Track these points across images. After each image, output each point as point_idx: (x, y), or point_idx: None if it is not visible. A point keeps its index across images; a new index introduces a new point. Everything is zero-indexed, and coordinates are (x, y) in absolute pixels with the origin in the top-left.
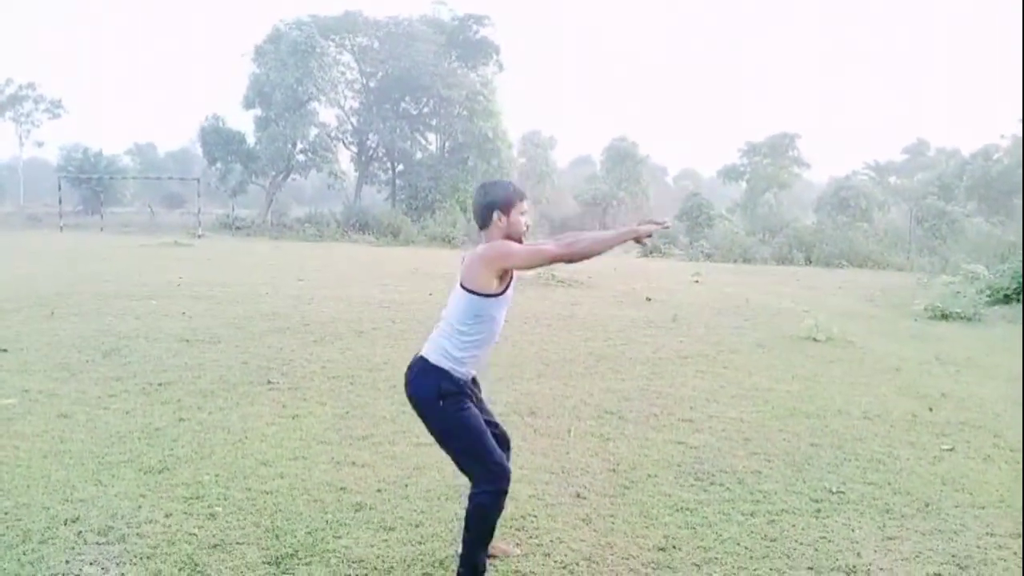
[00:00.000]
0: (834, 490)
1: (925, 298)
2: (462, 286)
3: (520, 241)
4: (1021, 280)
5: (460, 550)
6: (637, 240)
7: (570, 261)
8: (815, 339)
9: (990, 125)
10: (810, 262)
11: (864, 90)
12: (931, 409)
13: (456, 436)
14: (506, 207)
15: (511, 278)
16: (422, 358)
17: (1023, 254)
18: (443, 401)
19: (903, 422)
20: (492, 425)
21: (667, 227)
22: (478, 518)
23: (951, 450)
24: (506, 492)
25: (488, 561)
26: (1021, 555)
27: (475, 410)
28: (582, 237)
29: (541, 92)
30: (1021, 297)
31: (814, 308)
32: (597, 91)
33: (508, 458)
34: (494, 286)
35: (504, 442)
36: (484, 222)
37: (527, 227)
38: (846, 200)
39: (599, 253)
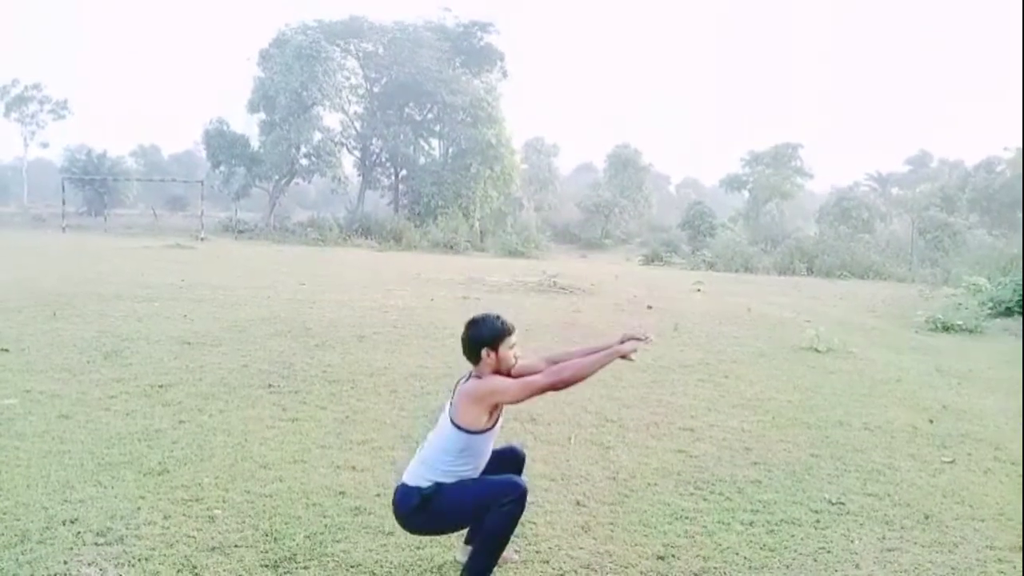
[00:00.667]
0: (834, 501)
1: (927, 310)
2: (452, 422)
3: (509, 374)
4: (1022, 293)
5: (471, 560)
6: (623, 357)
7: (558, 390)
8: (816, 350)
9: (993, 137)
10: (812, 272)
11: (867, 101)
12: (932, 421)
13: (462, 513)
14: (494, 343)
15: (500, 411)
16: (404, 484)
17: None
18: (424, 514)
19: (904, 434)
20: (496, 453)
21: (649, 342)
22: (508, 524)
23: (952, 462)
24: (523, 501)
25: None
26: (1021, 568)
27: (465, 490)
28: (568, 365)
29: (545, 99)
30: (1022, 310)
31: (815, 318)
32: (601, 98)
33: (522, 470)
34: (483, 422)
35: (517, 459)
36: (474, 359)
37: (516, 359)
38: (848, 211)
39: (585, 378)
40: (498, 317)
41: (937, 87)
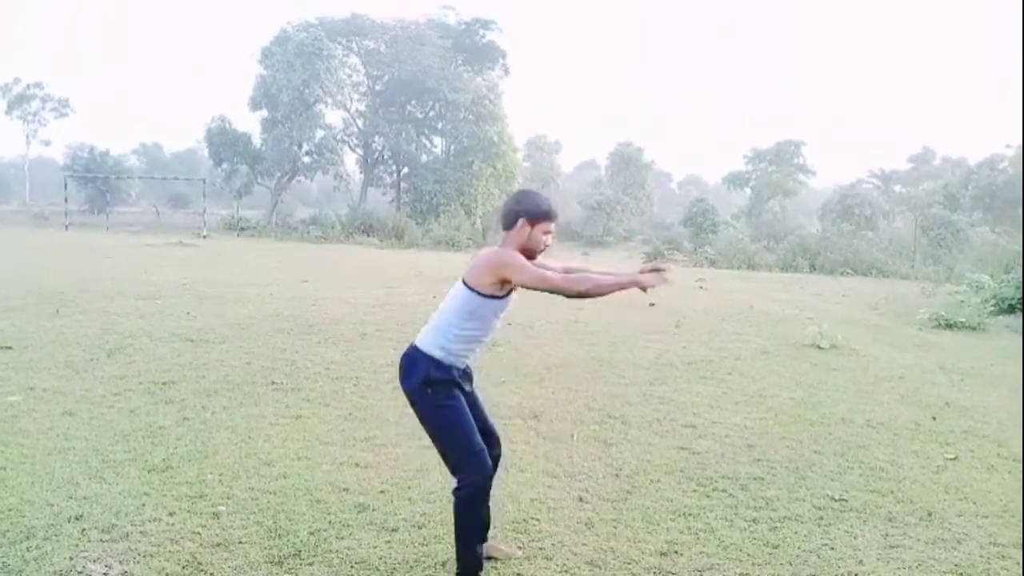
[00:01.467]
0: (837, 498)
1: (929, 307)
2: (464, 282)
3: (534, 256)
4: (1023, 290)
5: (456, 549)
6: (640, 288)
7: (569, 296)
8: (819, 347)
9: (996, 134)
10: (814, 269)
11: (870, 98)
12: (935, 418)
13: (440, 425)
14: (534, 219)
15: (511, 290)
16: (414, 346)
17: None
18: (431, 389)
19: (907, 431)
20: (483, 421)
21: (667, 279)
22: (463, 512)
23: (955, 459)
24: (486, 486)
25: (489, 563)
26: (1022, 564)
27: (463, 402)
28: (587, 277)
29: (547, 97)
30: (1022, 307)
31: (818, 316)
32: (603, 96)
33: (498, 455)
34: (494, 289)
35: (494, 439)
36: (508, 224)
37: (546, 247)
38: (851, 208)
39: (599, 296)
40: (548, 199)
41: (940, 84)
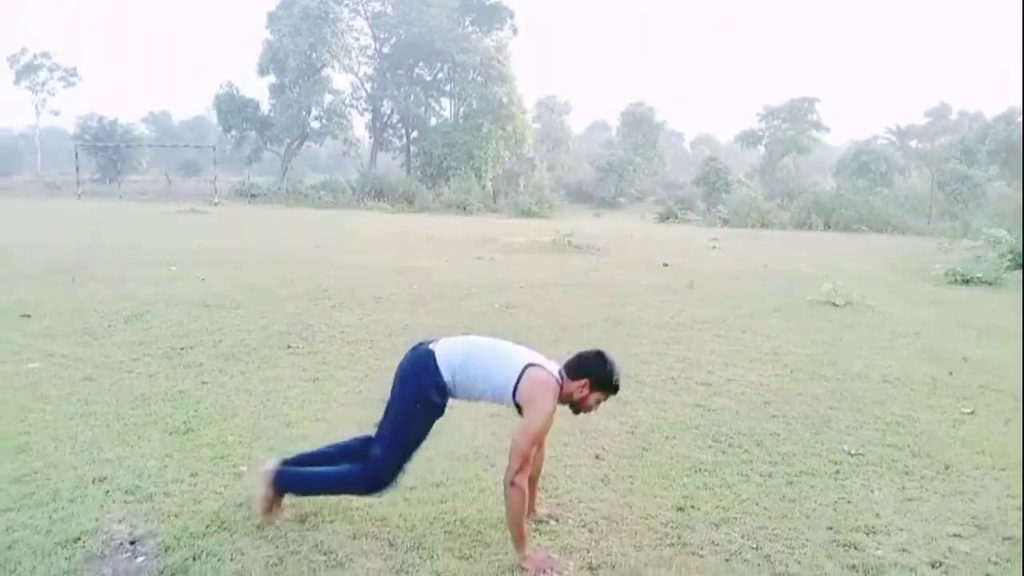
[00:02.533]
0: (853, 452)
1: (946, 263)
2: (514, 389)
3: (578, 410)
4: (1023, 247)
5: (296, 484)
6: (521, 558)
7: (506, 487)
8: (834, 304)
9: (1014, 88)
10: (829, 227)
11: (886, 53)
12: (951, 373)
13: (400, 429)
14: (596, 386)
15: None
16: (431, 353)
17: (1023, 221)
18: (419, 404)
19: (923, 386)
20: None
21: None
22: (339, 483)
23: (971, 413)
24: (368, 492)
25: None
26: (1021, 515)
27: (427, 430)
28: (520, 502)
29: (556, 57)
30: (1021, 264)
31: (833, 273)
32: (613, 55)
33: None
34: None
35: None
36: (574, 375)
37: (592, 411)
38: (866, 164)
39: (510, 514)
40: (620, 374)
41: (957, 37)
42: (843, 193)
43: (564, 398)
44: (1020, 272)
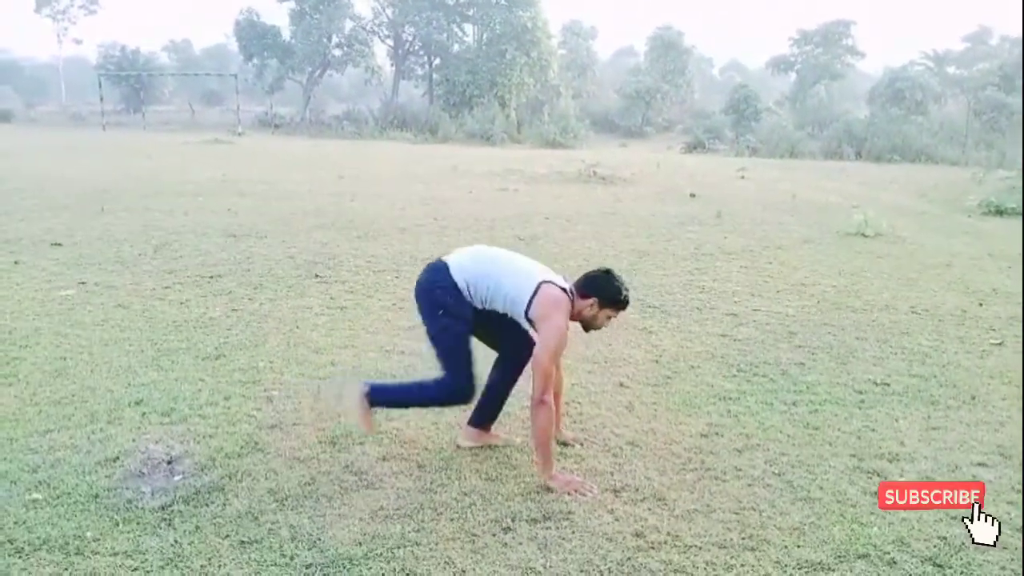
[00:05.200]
0: (879, 382)
1: (979, 193)
2: (528, 310)
3: (588, 327)
4: (1023, 189)
5: (387, 395)
6: (547, 478)
7: (533, 407)
8: (864, 235)
9: None
10: (860, 157)
11: None
12: (981, 304)
13: (441, 343)
14: (605, 304)
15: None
16: (445, 266)
17: (1023, 163)
18: (441, 311)
19: (952, 317)
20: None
21: (579, 492)
22: (419, 397)
23: (1000, 344)
24: (450, 403)
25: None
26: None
27: (467, 330)
28: (551, 420)
29: None
30: (1021, 207)
31: (864, 204)
32: None
33: (515, 372)
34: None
35: (519, 361)
36: (583, 293)
37: (602, 327)
38: (901, 92)
39: (536, 433)
40: (626, 288)
41: None
42: (876, 122)
43: (575, 316)
44: None
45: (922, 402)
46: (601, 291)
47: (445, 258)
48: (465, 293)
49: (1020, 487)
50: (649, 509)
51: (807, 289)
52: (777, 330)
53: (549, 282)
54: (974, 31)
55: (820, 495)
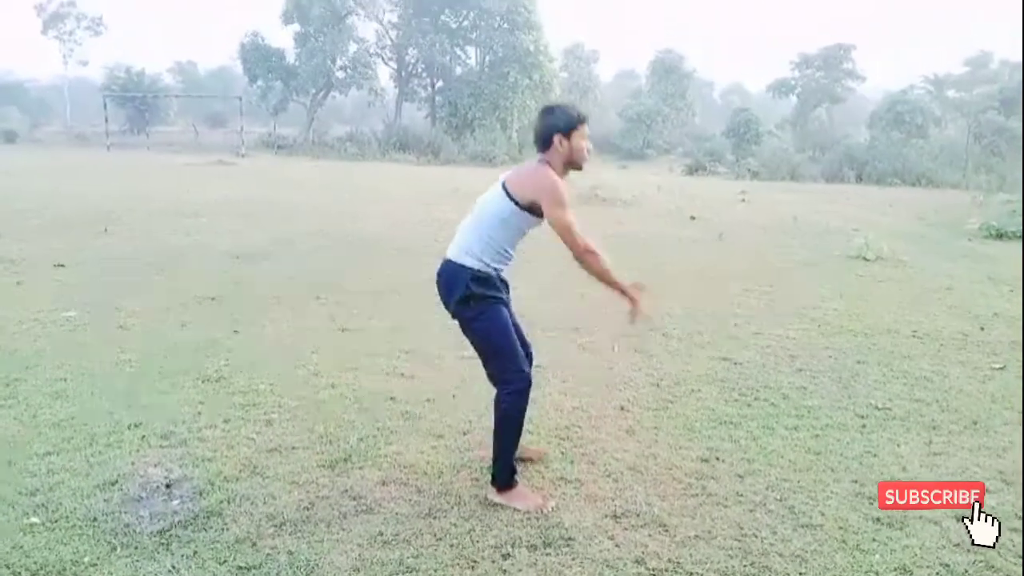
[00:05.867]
0: (880, 407)
1: (980, 217)
2: (505, 188)
3: (580, 167)
4: (1023, 213)
5: (492, 455)
6: (630, 302)
7: (576, 257)
8: (864, 258)
9: None
10: (861, 180)
11: None
12: (983, 328)
13: (483, 335)
14: (568, 131)
15: (539, 214)
16: (447, 260)
17: (1023, 187)
18: (473, 302)
19: (953, 341)
20: (517, 331)
21: (647, 318)
22: (506, 420)
23: (1002, 369)
24: (527, 394)
25: (533, 466)
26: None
27: (504, 312)
28: (602, 259)
29: (584, 3)
30: (1021, 231)
31: (864, 227)
32: (642, 2)
33: (529, 367)
34: (531, 204)
35: (526, 350)
36: (545, 145)
37: (589, 152)
38: (901, 115)
39: (597, 275)
40: (573, 105)
41: None
42: (877, 145)
43: (558, 168)
44: None
45: (923, 427)
46: (556, 127)
47: (447, 255)
48: (481, 268)
49: (1022, 513)
50: (650, 535)
51: (808, 312)
52: (778, 353)
53: (507, 174)
54: (974, 55)
55: (822, 521)
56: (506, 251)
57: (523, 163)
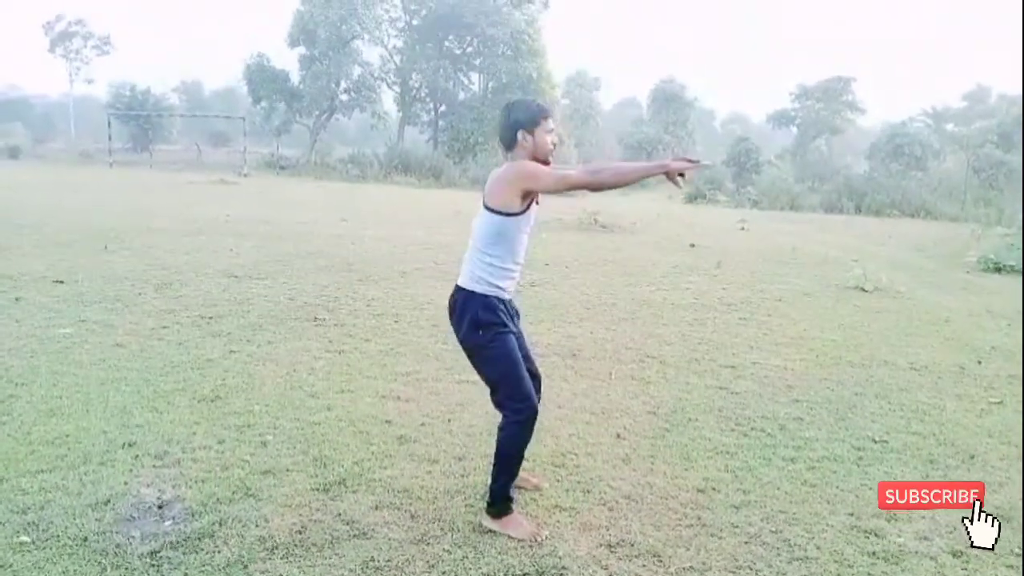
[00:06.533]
0: (877, 439)
1: (978, 250)
2: (485, 206)
3: (547, 161)
4: (1023, 246)
5: (490, 481)
6: (668, 177)
7: (594, 189)
8: (863, 289)
9: None
10: (860, 211)
11: (925, 32)
12: (980, 362)
13: (490, 361)
14: (531, 126)
15: (533, 199)
16: (459, 287)
17: (1023, 220)
18: (481, 330)
19: (951, 374)
20: (527, 360)
21: (703, 166)
22: (507, 447)
23: (999, 403)
24: (532, 424)
25: (528, 494)
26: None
27: (511, 340)
28: (608, 167)
29: (587, 31)
30: (1020, 265)
31: (863, 258)
32: (645, 30)
33: (538, 396)
34: (516, 206)
35: (535, 379)
36: (510, 143)
37: (554, 145)
38: (900, 147)
39: (624, 184)
40: (534, 100)
41: (999, 17)
42: (876, 176)
43: (531, 162)
44: None
45: (920, 460)
46: (519, 123)
47: (458, 281)
48: (492, 292)
49: (1020, 550)
50: (644, 566)
51: (806, 343)
52: (775, 384)
53: (487, 195)
54: (973, 89)
55: (817, 554)
56: (508, 267)
57: (501, 171)
